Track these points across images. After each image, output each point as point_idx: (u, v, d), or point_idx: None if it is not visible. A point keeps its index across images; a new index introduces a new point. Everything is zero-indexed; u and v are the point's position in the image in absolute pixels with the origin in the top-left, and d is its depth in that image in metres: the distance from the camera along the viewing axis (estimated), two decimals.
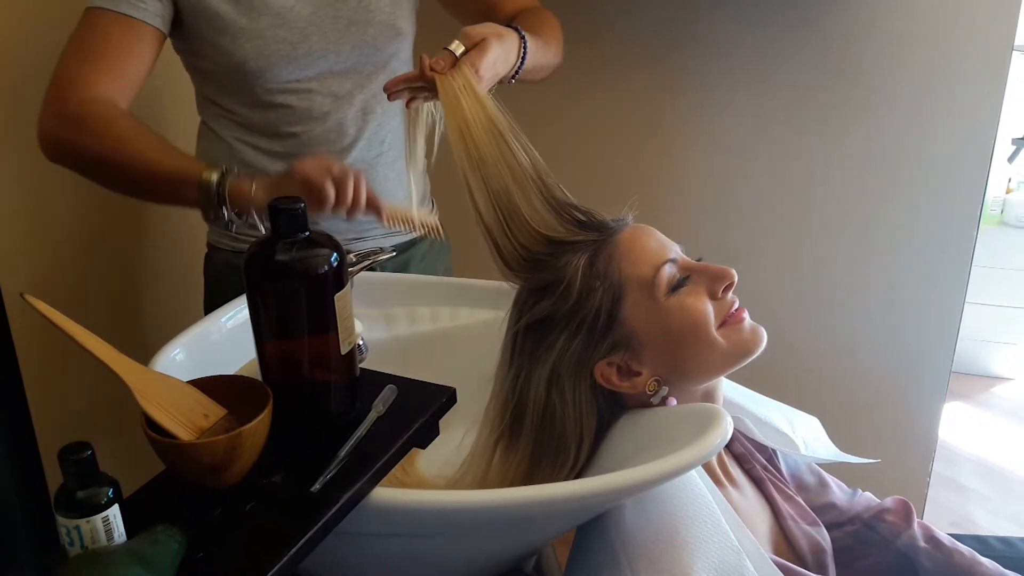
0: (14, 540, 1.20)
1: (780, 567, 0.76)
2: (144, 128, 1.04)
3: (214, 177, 0.99)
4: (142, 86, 1.10)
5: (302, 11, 1.12)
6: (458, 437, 0.94)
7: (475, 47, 0.94)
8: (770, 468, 0.93)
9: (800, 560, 0.86)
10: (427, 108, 1.01)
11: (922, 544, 0.93)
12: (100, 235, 1.46)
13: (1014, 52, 1.55)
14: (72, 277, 1.43)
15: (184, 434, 0.66)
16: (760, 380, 1.02)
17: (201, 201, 1.00)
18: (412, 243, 1.30)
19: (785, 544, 0.87)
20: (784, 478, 0.94)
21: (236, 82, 1.13)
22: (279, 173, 1.04)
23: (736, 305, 0.84)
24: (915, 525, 0.95)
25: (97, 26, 1.06)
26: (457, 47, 0.94)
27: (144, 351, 1.43)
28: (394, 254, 1.15)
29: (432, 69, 0.92)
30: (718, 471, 0.87)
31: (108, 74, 1.05)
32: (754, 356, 0.84)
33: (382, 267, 1.14)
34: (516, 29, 1.02)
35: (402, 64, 1.23)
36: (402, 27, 1.19)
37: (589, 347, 0.83)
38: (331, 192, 0.94)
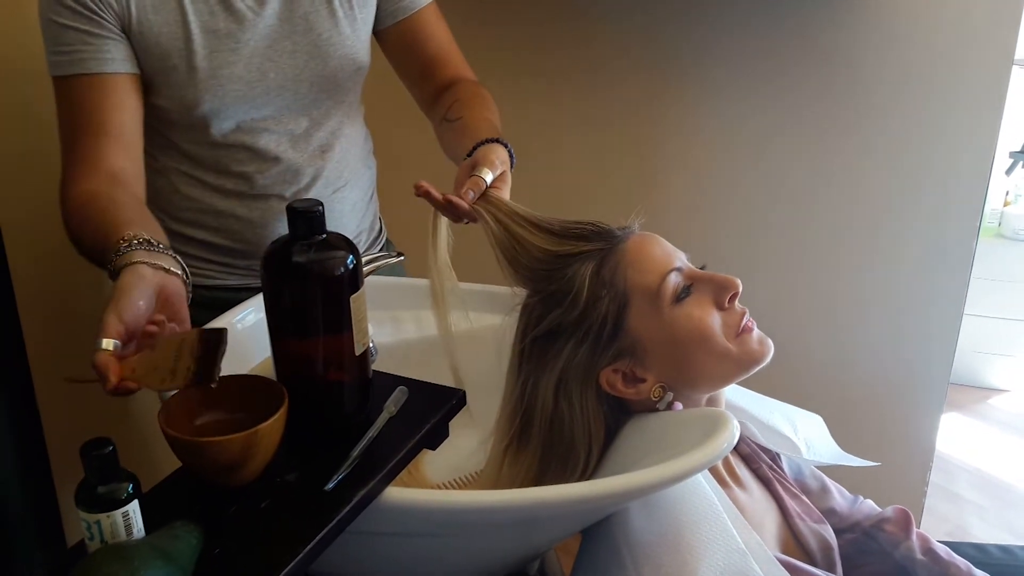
0: (21, 536, 1.21)
1: (789, 566, 0.77)
2: (104, 205, 0.94)
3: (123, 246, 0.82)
4: (141, 131, 1.05)
5: (258, 45, 1.06)
6: (463, 440, 0.95)
7: (500, 176, 0.94)
8: (775, 468, 0.94)
9: (809, 557, 0.88)
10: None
11: (919, 557, 0.95)
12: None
13: (1014, 66, 1.57)
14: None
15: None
16: (759, 388, 1.03)
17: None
18: None
19: (794, 542, 0.89)
20: (789, 480, 0.95)
21: (186, 121, 1.07)
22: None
23: (747, 316, 0.85)
24: (913, 536, 0.96)
25: (73, 97, 1.01)
26: (486, 173, 0.92)
27: None
28: (403, 258, 1.17)
29: (465, 200, 0.90)
30: (724, 473, 0.88)
31: (106, 148, 0.99)
32: (761, 366, 0.85)
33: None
34: (503, 144, 1.00)
35: (357, 98, 1.20)
36: (363, 60, 1.14)
37: (595, 354, 0.84)
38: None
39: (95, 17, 0.99)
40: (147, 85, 1.06)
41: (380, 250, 1.30)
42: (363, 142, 1.24)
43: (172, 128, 1.10)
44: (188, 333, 0.75)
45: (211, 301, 1.12)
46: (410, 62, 1.20)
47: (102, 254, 0.84)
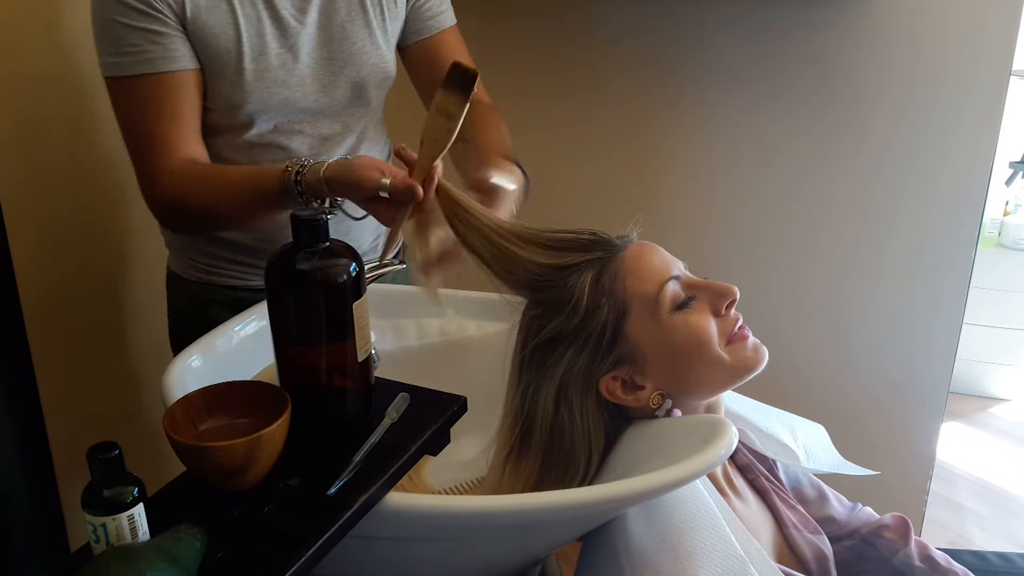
0: (25, 540, 1.21)
1: None
2: (218, 169, 1.07)
3: (292, 169, 0.96)
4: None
5: (301, 52, 1.10)
6: (462, 447, 0.96)
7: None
8: (772, 478, 0.95)
9: (804, 568, 0.88)
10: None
11: (918, 563, 0.95)
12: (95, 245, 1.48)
13: (1012, 76, 1.58)
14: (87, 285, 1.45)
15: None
16: (760, 397, 1.03)
17: (283, 192, 0.96)
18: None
19: (789, 553, 0.89)
20: (785, 489, 0.95)
21: (226, 121, 1.11)
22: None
23: (740, 322, 0.86)
24: (912, 543, 0.97)
25: (145, 98, 1.04)
26: (496, 177, 0.95)
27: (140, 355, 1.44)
28: (404, 266, 1.18)
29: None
30: (722, 481, 0.88)
31: (182, 140, 1.05)
32: (756, 374, 0.86)
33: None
34: (518, 166, 1.04)
35: (381, 106, 1.24)
36: (391, 70, 1.19)
37: (595, 362, 0.85)
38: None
39: (159, 15, 1.01)
40: None
41: (398, 254, 1.31)
42: (383, 147, 1.27)
43: (210, 126, 1.12)
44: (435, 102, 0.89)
45: (235, 301, 1.15)
46: (429, 78, 1.24)
47: (259, 184, 0.99)
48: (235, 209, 1.04)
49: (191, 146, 1.06)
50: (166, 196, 1.05)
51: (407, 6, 1.19)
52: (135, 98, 1.04)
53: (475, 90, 0.89)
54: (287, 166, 0.96)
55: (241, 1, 1.05)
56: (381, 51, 1.16)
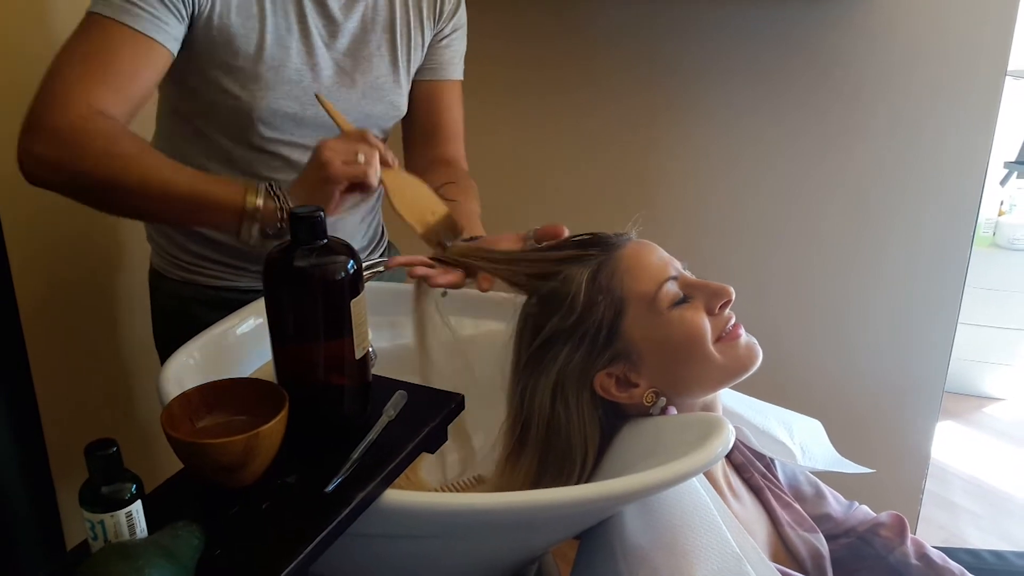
0: (22, 538, 1.21)
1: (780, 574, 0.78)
2: (148, 146, 0.97)
3: (259, 202, 0.92)
4: (138, 108, 1.00)
5: (321, 73, 1.10)
6: (458, 445, 0.96)
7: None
8: (768, 476, 0.95)
9: (799, 566, 0.88)
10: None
11: (914, 561, 0.96)
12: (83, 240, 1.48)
13: (1007, 77, 1.59)
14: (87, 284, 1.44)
15: (417, 228, 0.95)
16: (756, 395, 1.04)
17: (238, 224, 0.93)
18: None
19: (784, 551, 0.89)
20: (782, 487, 0.96)
21: (231, 121, 1.09)
22: (302, 177, 0.97)
23: (733, 321, 0.86)
24: (908, 542, 0.97)
25: (110, 39, 0.96)
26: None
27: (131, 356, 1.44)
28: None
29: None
30: (720, 480, 0.89)
31: (116, 93, 0.95)
32: (749, 372, 0.86)
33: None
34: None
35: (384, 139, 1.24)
36: (402, 109, 1.20)
37: (591, 358, 0.86)
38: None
39: None
40: (196, 70, 1.05)
41: (383, 254, 1.31)
42: None
43: (214, 120, 1.10)
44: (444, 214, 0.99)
45: (220, 302, 1.14)
46: (421, 122, 1.24)
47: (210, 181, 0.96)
48: (157, 179, 0.93)
49: (118, 111, 0.95)
50: (74, 128, 0.91)
51: (428, 47, 1.20)
52: (99, 35, 0.96)
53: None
54: (247, 190, 0.93)
55: (274, 10, 1.05)
56: (400, 90, 1.17)
